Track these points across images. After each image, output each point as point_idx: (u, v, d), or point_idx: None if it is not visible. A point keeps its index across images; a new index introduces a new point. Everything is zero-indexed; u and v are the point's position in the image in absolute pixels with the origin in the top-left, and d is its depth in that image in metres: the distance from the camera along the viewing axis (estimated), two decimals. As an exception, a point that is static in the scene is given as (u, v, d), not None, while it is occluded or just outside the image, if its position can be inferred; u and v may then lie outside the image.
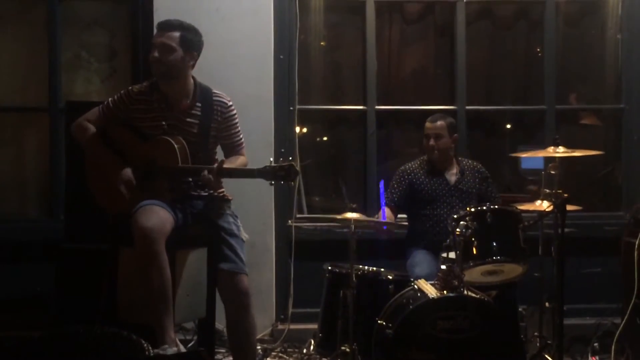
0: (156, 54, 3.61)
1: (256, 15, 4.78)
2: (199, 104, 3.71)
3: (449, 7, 5.17)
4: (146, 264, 3.35)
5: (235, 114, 3.79)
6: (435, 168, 4.50)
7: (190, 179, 3.70)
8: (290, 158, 3.55)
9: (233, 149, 3.80)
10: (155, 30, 3.74)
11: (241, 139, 3.83)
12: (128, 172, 3.65)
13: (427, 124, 4.51)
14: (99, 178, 3.74)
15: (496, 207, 3.85)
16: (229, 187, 3.82)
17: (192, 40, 3.66)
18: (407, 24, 5.33)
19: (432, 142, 4.46)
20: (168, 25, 3.64)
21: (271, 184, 3.52)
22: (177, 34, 3.61)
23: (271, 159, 3.49)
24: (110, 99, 3.78)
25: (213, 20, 4.66)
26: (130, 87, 3.77)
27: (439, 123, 4.48)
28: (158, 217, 3.42)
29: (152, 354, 2.40)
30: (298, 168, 3.46)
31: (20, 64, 5.17)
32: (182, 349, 3.46)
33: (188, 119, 3.69)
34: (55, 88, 4.98)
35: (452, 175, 4.49)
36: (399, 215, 4.54)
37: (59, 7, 4.98)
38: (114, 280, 3.62)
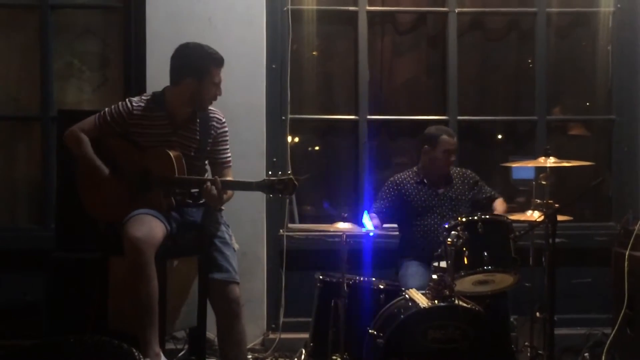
0: (220, 92, 3.71)
1: (249, 25, 4.78)
2: (198, 120, 3.72)
3: (441, 18, 5.19)
4: (134, 274, 3.34)
5: (227, 131, 3.81)
6: (430, 179, 4.48)
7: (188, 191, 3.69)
8: (289, 172, 3.55)
9: (221, 165, 3.78)
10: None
11: (229, 156, 3.82)
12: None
13: (448, 139, 4.40)
14: (91, 188, 3.71)
15: (487, 217, 3.84)
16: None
17: None
18: (399, 34, 5.34)
19: (453, 157, 4.44)
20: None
21: (270, 196, 3.51)
22: None
23: (270, 172, 3.49)
24: (107, 110, 3.70)
25: (205, 29, 4.66)
26: (128, 101, 3.69)
27: (455, 138, 4.46)
28: (149, 227, 3.40)
29: (142, 364, 2.40)
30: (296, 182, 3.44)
31: (12, 72, 5.15)
32: None
33: (188, 134, 3.69)
34: (47, 96, 4.97)
35: (442, 185, 4.48)
36: (389, 225, 4.53)
37: (51, 15, 4.98)
38: (104, 290, 3.61)
